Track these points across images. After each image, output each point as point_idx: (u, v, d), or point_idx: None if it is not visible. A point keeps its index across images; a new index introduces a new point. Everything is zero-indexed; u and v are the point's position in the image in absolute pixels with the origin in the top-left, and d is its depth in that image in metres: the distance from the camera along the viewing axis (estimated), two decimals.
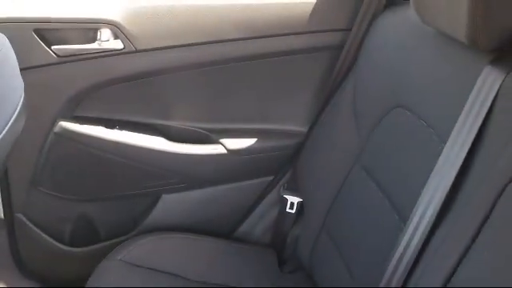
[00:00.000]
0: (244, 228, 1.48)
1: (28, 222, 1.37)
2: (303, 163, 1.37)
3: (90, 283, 1.17)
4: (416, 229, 0.86)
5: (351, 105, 1.24)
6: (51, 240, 1.40)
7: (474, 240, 0.75)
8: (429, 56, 1.00)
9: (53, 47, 1.19)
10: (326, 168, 1.26)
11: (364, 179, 1.11)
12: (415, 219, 0.86)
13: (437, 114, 0.92)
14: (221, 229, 1.46)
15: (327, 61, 1.31)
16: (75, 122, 1.28)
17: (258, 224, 1.48)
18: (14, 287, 1.44)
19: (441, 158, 0.85)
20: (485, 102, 0.80)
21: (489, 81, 0.80)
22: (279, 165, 1.43)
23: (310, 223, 1.29)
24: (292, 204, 1.39)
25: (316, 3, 1.26)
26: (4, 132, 0.89)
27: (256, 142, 1.37)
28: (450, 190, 0.82)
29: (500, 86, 0.79)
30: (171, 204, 1.42)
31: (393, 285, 0.87)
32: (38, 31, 1.17)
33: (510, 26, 0.80)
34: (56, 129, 1.26)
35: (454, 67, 0.91)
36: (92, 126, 1.29)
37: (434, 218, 0.83)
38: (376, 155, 1.10)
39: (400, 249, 0.87)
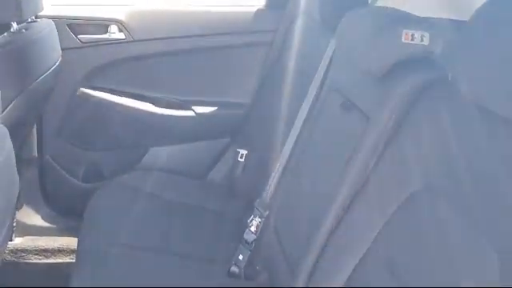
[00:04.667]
0: (211, 175, 2.01)
1: (54, 163, 1.90)
2: (249, 124, 1.94)
3: (96, 196, 1.69)
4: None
5: (279, 82, 1.81)
6: (69, 177, 1.92)
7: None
8: (315, 38, 1.58)
9: (78, 36, 1.78)
10: (262, 125, 1.82)
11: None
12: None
13: (314, 67, 1.47)
14: (194, 176, 1.99)
15: (262, 52, 1.91)
16: (91, 89, 1.85)
17: (219, 171, 2.00)
18: (40, 214, 1.92)
19: (308, 92, 1.42)
20: (330, 53, 1.37)
21: (332, 42, 1.38)
22: (233, 128, 1.98)
23: (252, 159, 1.83)
24: (242, 155, 1.93)
25: (254, 12, 1.89)
26: (46, 74, 1.45)
27: (216, 109, 1.94)
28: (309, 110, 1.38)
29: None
30: (157, 155, 1.95)
31: None
32: (69, 25, 1.77)
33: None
34: (78, 93, 1.83)
35: (322, 39, 1.48)
36: (102, 93, 1.86)
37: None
38: None
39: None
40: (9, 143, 1.11)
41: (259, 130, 1.84)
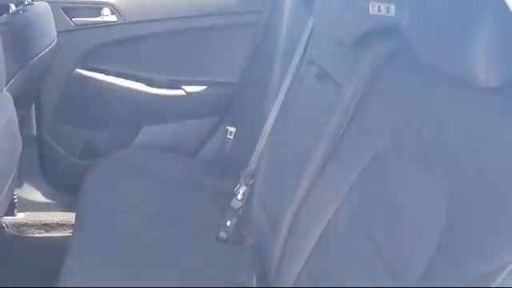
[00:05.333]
0: (201, 152, 2.10)
1: (52, 142, 1.98)
2: (237, 102, 2.03)
3: (91, 171, 1.78)
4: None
5: (265, 60, 1.91)
6: (67, 155, 2.01)
7: None
8: (298, 16, 1.66)
9: (73, 19, 1.86)
10: (250, 102, 1.91)
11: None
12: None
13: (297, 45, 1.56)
14: (185, 153, 2.09)
15: (249, 32, 1.99)
16: (86, 70, 1.94)
17: (210, 149, 2.10)
18: (40, 190, 2.01)
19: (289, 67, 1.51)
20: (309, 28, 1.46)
21: (312, 18, 1.46)
22: (222, 107, 2.07)
23: (240, 136, 1.93)
24: (231, 132, 2.02)
25: None
26: (43, 53, 1.54)
27: (205, 88, 2.03)
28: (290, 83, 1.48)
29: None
30: (150, 133, 2.05)
31: None
32: (64, 8, 1.84)
33: None
34: (73, 74, 1.92)
35: (303, 17, 1.56)
36: (97, 74, 1.95)
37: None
38: None
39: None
40: (12, 107, 1.20)
41: (247, 107, 1.94)
